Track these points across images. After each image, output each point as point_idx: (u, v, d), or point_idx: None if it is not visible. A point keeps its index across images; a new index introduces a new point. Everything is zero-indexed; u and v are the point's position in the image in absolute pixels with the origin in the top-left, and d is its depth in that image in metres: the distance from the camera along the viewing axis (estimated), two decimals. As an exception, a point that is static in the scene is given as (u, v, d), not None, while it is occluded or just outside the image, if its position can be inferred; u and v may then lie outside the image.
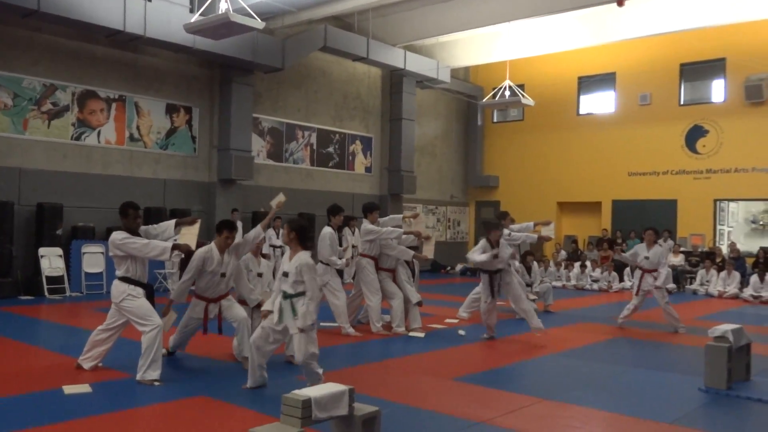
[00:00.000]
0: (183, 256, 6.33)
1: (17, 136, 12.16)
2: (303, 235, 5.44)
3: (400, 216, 9.67)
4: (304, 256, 5.34)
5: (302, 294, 5.28)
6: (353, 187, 18.41)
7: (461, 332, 8.98)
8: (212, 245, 6.37)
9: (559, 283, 16.18)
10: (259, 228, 6.65)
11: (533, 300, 11.15)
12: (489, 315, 8.45)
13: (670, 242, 17.60)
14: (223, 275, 6.34)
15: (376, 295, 8.77)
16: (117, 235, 5.92)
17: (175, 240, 6.22)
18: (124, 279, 5.96)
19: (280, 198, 6.67)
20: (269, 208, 6.94)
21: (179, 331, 6.51)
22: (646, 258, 9.60)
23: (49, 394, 5.34)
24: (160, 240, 6.11)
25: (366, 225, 8.79)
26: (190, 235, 6.20)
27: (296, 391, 3.66)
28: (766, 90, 16.94)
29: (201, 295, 6.35)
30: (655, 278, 9.51)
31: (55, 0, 11.22)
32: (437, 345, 8.06)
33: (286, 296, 5.34)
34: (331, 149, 17.91)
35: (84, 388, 5.48)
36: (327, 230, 8.58)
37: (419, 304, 9.07)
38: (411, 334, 8.67)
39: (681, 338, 9.03)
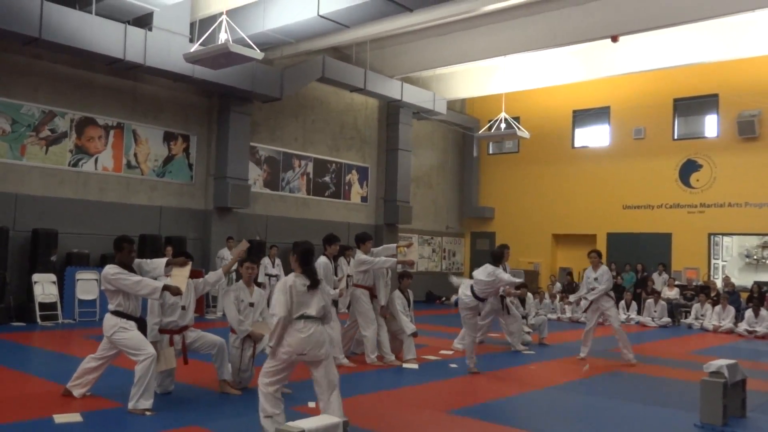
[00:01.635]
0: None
1: (14, 161, 12.19)
2: (305, 259, 5.27)
3: (395, 245, 9.67)
4: (290, 276, 5.19)
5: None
6: (349, 216, 18.44)
7: (453, 365, 8.93)
8: (167, 280, 6.37)
9: (554, 316, 16.14)
10: (219, 272, 6.81)
11: (528, 332, 11.15)
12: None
13: (665, 275, 17.65)
14: (183, 308, 6.40)
15: (371, 326, 8.73)
16: (109, 270, 5.91)
17: (167, 277, 6.24)
18: (116, 313, 5.95)
19: (242, 246, 6.71)
20: (263, 237, 7.00)
21: (159, 375, 6.23)
22: (595, 279, 9.78)
23: (39, 423, 5.28)
24: (152, 277, 6.11)
25: (359, 255, 8.77)
26: (180, 276, 6.19)
27: (290, 423, 3.64)
28: (758, 126, 17.15)
29: (164, 329, 6.35)
30: (610, 298, 9.78)
31: (56, 28, 11.34)
32: (431, 377, 8.02)
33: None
34: (327, 178, 17.98)
35: (75, 417, 5.43)
36: (322, 259, 8.55)
37: (414, 335, 9.03)
38: (405, 365, 8.63)
39: (676, 373, 8.99)
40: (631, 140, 19.34)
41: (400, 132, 18.97)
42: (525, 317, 11.41)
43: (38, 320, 11.55)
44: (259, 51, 10.37)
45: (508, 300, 10.47)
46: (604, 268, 9.91)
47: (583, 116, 20.47)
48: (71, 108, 12.95)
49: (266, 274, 14.09)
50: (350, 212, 18.55)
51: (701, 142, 18.39)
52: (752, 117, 17.11)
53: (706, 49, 15.13)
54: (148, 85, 14.07)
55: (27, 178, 12.35)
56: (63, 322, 11.81)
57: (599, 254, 10.18)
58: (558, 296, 17.26)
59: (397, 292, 9.35)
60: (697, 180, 18.25)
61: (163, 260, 6.36)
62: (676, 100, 18.75)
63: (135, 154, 13.91)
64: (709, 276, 17.83)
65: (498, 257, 9.06)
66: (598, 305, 9.76)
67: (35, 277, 11.75)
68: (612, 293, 9.92)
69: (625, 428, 5.92)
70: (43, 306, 11.70)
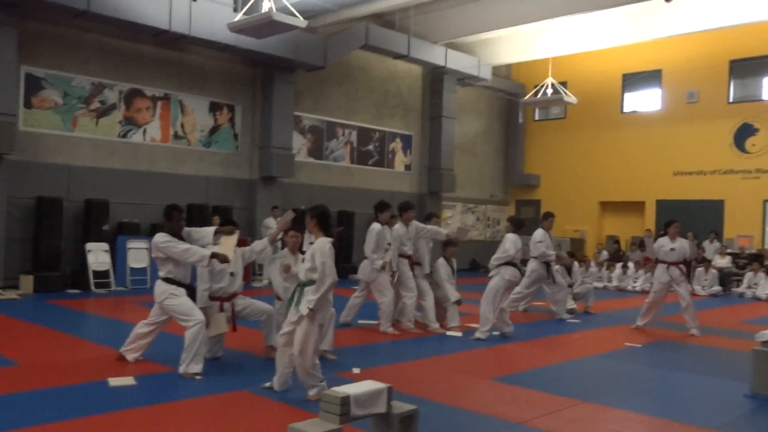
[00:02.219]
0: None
1: (66, 133, 12.49)
2: (324, 221, 5.40)
3: (444, 232, 9.47)
4: (321, 241, 5.26)
5: (311, 283, 5.18)
6: (393, 185, 18.43)
7: (495, 333, 8.90)
8: (218, 247, 6.47)
9: (600, 284, 15.94)
10: (265, 241, 6.83)
11: (573, 300, 11.03)
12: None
13: (717, 243, 17.21)
14: (232, 274, 6.49)
15: (410, 293, 8.72)
16: (159, 238, 6.05)
17: (215, 245, 6.34)
18: (167, 280, 6.10)
19: (288, 216, 6.71)
20: (308, 205, 7.06)
21: (208, 340, 6.34)
22: (672, 250, 9.43)
23: (94, 385, 5.48)
24: (200, 245, 6.23)
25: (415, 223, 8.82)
26: (228, 245, 6.27)
27: (335, 388, 3.69)
28: (819, 87, 16.40)
29: (214, 296, 6.46)
30: (681, 271, 9.36)
31: (105, 0, 11.50)
32: (475, 344, 8.03)
33: (299, 284, 5.32)
34: (371, 147, 17.96)
35: (128, 380, 5.61)
36: (375, 226, 8.57)
37: (458, 302, 9.03)
38: (448, 333, 8.65)
39: (726, 342, 8.81)
40: (684, 104, 18.75)
41: (444, 99, 18.76)
42: (570, 286, 11.30)
43: (92, 287, 11.93)
44: (302, 19, 10.35)
45: (553, 268, 10.38)
46: (683, 240, 9.57)
47: (633, 80, 19.89)
48: (120, 80, 13.17)
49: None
50: (394, 181, 18.53)
51: (758, 105, 17.71)
52: (813, 78, 16.37)
53: (763, 6, 14.43)
54: (193, 56, 14.19)
55: (78, 149, 12.66)
56: (116, 289, 12.17)
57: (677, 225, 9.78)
58: (605, 264, 17.02)
59: (441, 260, 9.34)
60: (753, 145, 17.63)
61: (212, 229, 6.47)
62: (732, 62, 18.05)
63: (182, 125, 14.11)
64: (763, 243, 17.32)
65: (517, 224, 8.92)
66: (669, 275, 9.40)
67: (89, 245, 12.11)
68: (683, 266, 9.56)
69: (672, 397, 5.85)
70: (97, 274, 12.07)
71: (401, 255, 8.76)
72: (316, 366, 5.23)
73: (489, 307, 8.40)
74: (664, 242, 9.54)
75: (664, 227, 9.79)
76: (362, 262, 8.83)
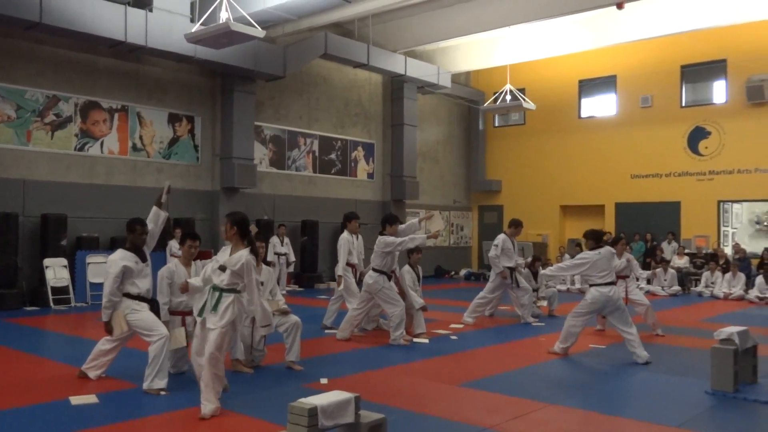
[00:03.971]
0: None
1: (21, 147, 12.21)
2: (243, 229, 5.37)
3: (416, 220, 9.59)
4: (245, 254, 5.25)
5: (232, 291, 5.23)
6: (356, 193, 18.44)
7: (453, 337, 8.97)
8: (175, 261, 6.50)
9: (563, 287, 16.14)
10: None
11: (535, 302, 11.11)
12: None
13: (674, 244, 17.60)
14: None
15: (398, 306, 8.40)
16: (109, 263, 6.00)
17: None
18: (127, 295, 6.00)
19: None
20: (271, 216, 7.03)
21: (171, 355, 6.22)
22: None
23: (56, 405, 5.35)
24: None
25: (384, 238, 8.44)
26: (117, 318, 6.02)
27: (302, 400, 3.67)
28: (767, 91, 16.94)
29: (174, 310, 6.36)
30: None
31: (57, 12, 11.29)
32: (442, 351, 8.06)
33: (216, 289, 5.27)
34: (333, 156, 17.94)
35: (90, 398, 5.49)
36: (344, 236, 8.97)
37: (423, 309, 9.06)
38: (415, 340, 8.66)
39: (686, 341, 9.01)
40: (639, 109, 19.18)
41: (405, 107, 18.86)
42: (536, 290, 11.42)
43: (51, 304, 11.66)
44: (260, 29, 10.31)
45: (516, 273, 10.48)
46: (627, 255, 9.69)
47: (590, 86, 20.29)
48: (75, 92, 12.93)
49: (275, 253, 14.17)
50: (357, 189, 18.53)
51: (709, 108, 18.21)
52: (761, 82, 16.89)
53: (713, 13, 14.90)
54: (150, 67, 14.01)
55: (34, 163, 12.38)
56: (75, 305, 11.92)
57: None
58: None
59: (406, 267, 9.38)
60: (706, 147, 18.11)
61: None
62: (683, 67, 18.54)
63: (140, 137, 13.91)
64: (719, 243, 17.78)
65: (596, 237, 7.91)
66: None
67: (46, 261, 11.83)
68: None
69: (636, 396, 5.95)
70: (56, 290, 11.81)
71: (379, 271, 8.44)
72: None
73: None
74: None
75: (611, 244, 9.78)
76: (367, 274, 8.60)
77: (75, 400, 5.43)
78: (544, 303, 11.55)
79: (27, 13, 10.97)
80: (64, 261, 12.01)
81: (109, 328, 5.96)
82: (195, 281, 5.69)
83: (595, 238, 7.78)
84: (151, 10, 12.58)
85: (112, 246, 12.48)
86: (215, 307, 5.20)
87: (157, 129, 14.17)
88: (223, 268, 5.27)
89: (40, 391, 5.77)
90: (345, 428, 3.79)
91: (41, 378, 6.37)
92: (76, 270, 12.18)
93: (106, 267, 6.03)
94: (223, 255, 5.40)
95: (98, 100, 13.26)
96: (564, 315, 11.32)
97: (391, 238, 8.44)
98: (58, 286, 11.85)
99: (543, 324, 10.42)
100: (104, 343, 6.14)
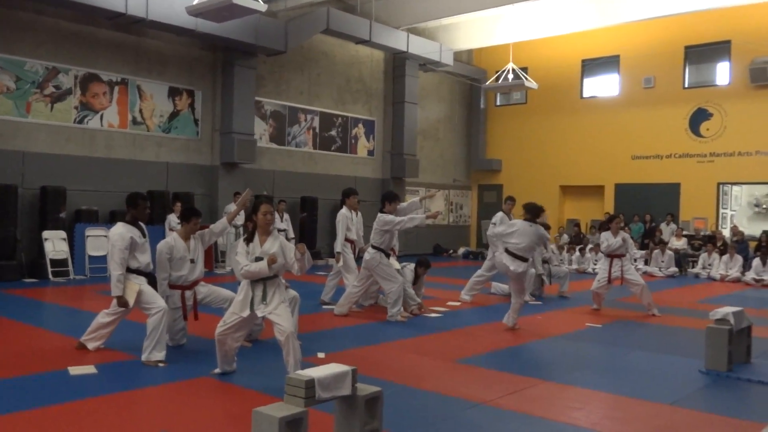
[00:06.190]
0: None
1: (20, 119, 12.17)
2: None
3: (418, 199, 9.53)
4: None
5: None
6: (356, 170, 18.41)
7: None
8: (174, 235, 6.45)
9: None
10: (224, 221, 6.76)
11: (542, 276, 10.96)
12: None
13: (673, 225, 17.62)
14: (192, 261, 6.38)
15: (396, 282, 8.42)
16: (115, 236, 5.98)
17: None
18: (127, 269, 6.00)
19: (246, 195, 6.66)
20: (270, 192, 7.03)
21: (170, 329, 6.26)
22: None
23: (54, 374, 5.39)
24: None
25: (383, 216, 8.43)
26: (131, 290, 6.01)
27: (300, 372, 3.70)
28: (771, 73, 16.84)
29: (174, 284, 6.36)
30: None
31: (57, -18, 11.20)
32: (438, 327, 8.11)
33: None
34: (333, 132, 17.89)
35: (89, 369, 5.54)
36: (343, 212, 9.01)
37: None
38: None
39: (682, 321, 9.06)
40: (641, 89, 19.09)
41: (407, 84, 18.76)
42: (546, 261, 11.26)
43: (50, 276, 11.70)
44: (262, 3, 10.25)
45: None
46: (623, 234, 9.76)
47: (592, 65, 20.17)
48: (75, 64, 12.86)
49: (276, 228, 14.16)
50: (357, 166, 18.51)
51: (712, 90, 18.13)
52: (765, 64, 16.80)
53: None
54: (151, 40, 13.92)
55: (33, 135, 12.34)
56: (74, 278, 11.96)
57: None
58: (566, 247, 17.30)
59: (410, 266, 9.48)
60: (707, 129, 18.05)
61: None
62: (687, 48, 18.42)
63: (140, 110, 13.86)
64: (717, 226, 17.80)
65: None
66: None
67: (45, 234, 11.85)
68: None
69: (631, 375, 6.00)
70: (55, 262, 11.84)
71: (378, 248, 8.44)
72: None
73: None
74: (607, 236, 9.72)
75: (606, 222, 9.88)
76: (367, 251, 8.55)
77: (74, 370, 5.47)
78: (551, 282, 11.34)
79: (26, -17, 10.88)
80: (63, 234, 12.03)
81: (123, 301, 5.92)
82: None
83: (533, 213, 8.01)
84: (151, -18, 12.47)
85: (111, 219, 12.51)
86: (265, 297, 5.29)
87: (157, 103, 14.12)
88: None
89: (39, 362, 5.81)
90: (342, 400, 3.82)
91: (40, 348, 6.41)
92: (75, 243, 12.20)
93: (111, 241, 5.98)
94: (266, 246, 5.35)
95: (98, 72, 13.19)
96: (574, 294, 11.33)
97: (390, 217, 8.43)
98: (57, 258, 11.88)
99: (540, 303, 10.47)
100: (104, 316, 6.17)
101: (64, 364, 5.65)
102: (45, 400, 4.71)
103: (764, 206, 18.46)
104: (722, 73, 18.13)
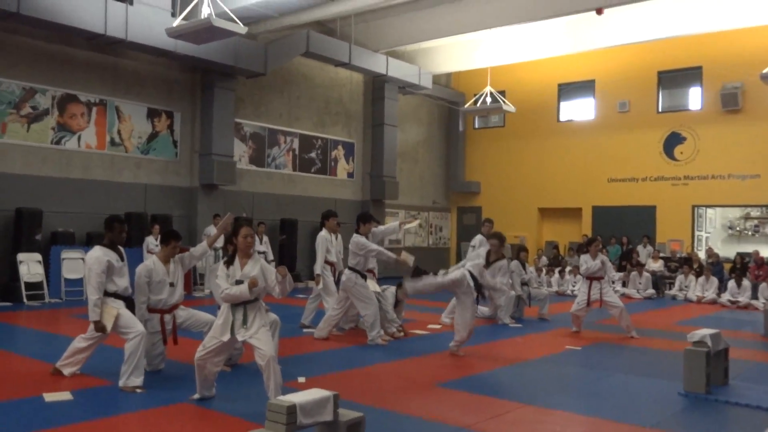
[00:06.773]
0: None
1: (-5, 140, 12.03)
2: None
3: (397, 224, 9.55)
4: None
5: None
6: (335, 192, 18.42)
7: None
8: (153, 258, 6.39)
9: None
10: (204, 244, 6.75)
11: (519, 296, 10.99)
12: None
13: (650, 248, 17.82)
14: (171, 284, 6.32)
15: (371, 306, 8.41)
16: (91, 260, 5.92)
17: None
18: (104, 293, 5.93)
19: (227, 219, 6.62)
20: (250, 214, 7.01)
21: (148, 353, 6.18)
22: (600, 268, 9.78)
23: (29, 401, 5.28)
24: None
25: (357, 238, 8.44)
26: (108, 314, 5.95)
27: (281, 397, 3.67)
28: (741, 98, 17.25)
29: (153, 308, 6.30)
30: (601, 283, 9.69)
31: (35, 2, 11.13)
32: (420, 351, 8.09)
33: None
34: (313, 154, 17.91)
35: (65, 395, 5.43)
36: (322, 234, 8.95)
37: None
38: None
39: (660, 343, 9.13)
40: (616, 113, 19.40)
41: (386, 107, 18.88)
42: (526, 283, 11.32)
43: (24, 300, 11.50)
44: (242, 25, 10.27)
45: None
46: (602, 257, 9.84)
47: (568, 90, 20.48)
48: (52, 84, 12.76)
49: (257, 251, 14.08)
50: (337, 188, 18.52)
51: (685, 114, 18.48)
52: (735, 89, 17.20)
53: (689, 21, 15.15)
54: (130, 61, 13.87)
55: (9, 156, 12.19)
56: (50, 301, 11.76)
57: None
58: (544, 270, 17.40)
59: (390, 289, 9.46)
60: (681, 152, 18.37)
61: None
62: (660, 73, 18.80)
63: (119, 131, 13.77)
64: (693, 248, 18.04)
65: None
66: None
67: (20, 256, 11.66)
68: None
69: (611, 398, 6.02)
70: (29, 285, 11.64)
71: (354, 269, 8.47)
72: None
73: None
74: (586, 259, 9.81)
75: (585, 245, 10.02)
76: (344, 273, 8.54)
77: (49, 396, 5.37)
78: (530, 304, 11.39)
79: (3, 3, 10.80)
80: (38, 256, 11.84)
81: (101, 326, 5.84)
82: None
83: (499, 240, 8.75)
84: (131, 4, 12.46)
85: (88, 242, 12.35)
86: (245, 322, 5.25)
87: (135, 124, 14.04)
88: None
89: (13, 387, 5.69)
90: (323, 426, 3.79)
91: (14, 374, 6.28)
92: (51, 266, 12.01)
93: (88, 265, 5.92)
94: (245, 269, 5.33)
95: (76, 93, 13.10)
96: (553, 316, 11.37)
97: (363, 241, 8.42)
98: (31, 281, 11.68)
99: (521, 325, 10.50)
100: (80, 341, 6.07)
101: (38, 390, 5.53)
102: (19, 427, 4.60)
103: (738, 228, 18.77)
104: (694, 97, 18.51)
